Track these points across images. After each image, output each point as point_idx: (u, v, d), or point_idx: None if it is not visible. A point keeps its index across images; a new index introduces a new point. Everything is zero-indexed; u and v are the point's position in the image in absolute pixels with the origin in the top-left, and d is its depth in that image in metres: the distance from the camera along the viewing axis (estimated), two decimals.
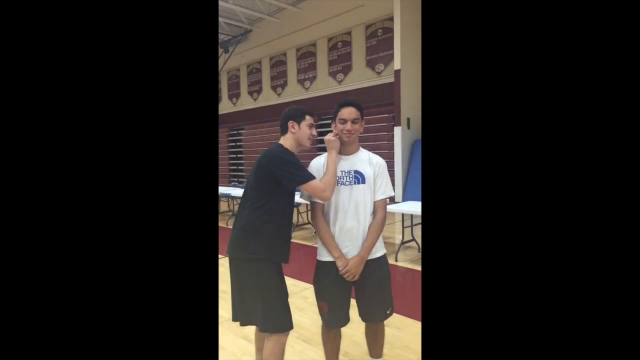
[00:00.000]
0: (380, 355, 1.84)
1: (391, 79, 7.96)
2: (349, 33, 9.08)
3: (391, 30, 7.93)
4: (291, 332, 2.49)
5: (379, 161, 1.71)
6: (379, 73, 8.57)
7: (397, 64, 7.64)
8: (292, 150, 1.66)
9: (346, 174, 1.65)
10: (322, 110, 8.18)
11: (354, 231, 1.64)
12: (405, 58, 7.62)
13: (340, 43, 9.32)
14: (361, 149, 1.74)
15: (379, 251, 1.70)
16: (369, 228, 1.65)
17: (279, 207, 1.59)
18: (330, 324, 1.70)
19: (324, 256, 1.67)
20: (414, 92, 7.88)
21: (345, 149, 1.68)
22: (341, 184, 1.64)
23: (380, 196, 1.69)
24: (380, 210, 1.68)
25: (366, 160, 1.69)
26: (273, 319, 1.56)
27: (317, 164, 1.71)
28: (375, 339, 1.82)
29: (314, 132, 1.69)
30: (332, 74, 9.57)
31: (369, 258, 1.65)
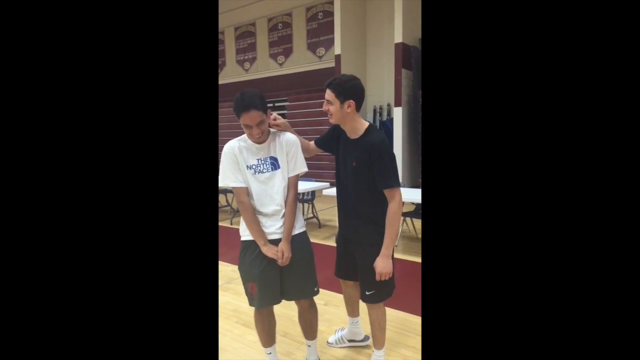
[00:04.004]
0: (314, 336, 1.89)
1: (332, 64, 8.00)
2: (289, 14, 8.92)
3: (332, 14, 7.93)
4: (230, 316, 2.51)
5: (289, 138, 1.67)
6: (320, 57, 8.56)
7: (337, 49, 7.69)
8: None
9: (262, 162, 1.63)
10: (264, 94, 7.98)
11: (276, 215, 1.65)
12: (346, 43, 7.68)
13: (280, 24, 9.13)
14: (271, 131, 1.68)
15: (298, 228, 1.71)
16: (285, 209, 1.66)
17: None
18: (261, 303, 1.67)
19: (249, 235, 1.66)
20: None
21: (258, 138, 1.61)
22: (259, 172, 1.62)
23: (292, 172, 1.67)
24: (292, 189, 1.68)
25: (278, 142, 1.66)
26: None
27: (231, 147, 1.63)
28: (310, 324, 1.84)
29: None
30: (273, 56, 9.38)
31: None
